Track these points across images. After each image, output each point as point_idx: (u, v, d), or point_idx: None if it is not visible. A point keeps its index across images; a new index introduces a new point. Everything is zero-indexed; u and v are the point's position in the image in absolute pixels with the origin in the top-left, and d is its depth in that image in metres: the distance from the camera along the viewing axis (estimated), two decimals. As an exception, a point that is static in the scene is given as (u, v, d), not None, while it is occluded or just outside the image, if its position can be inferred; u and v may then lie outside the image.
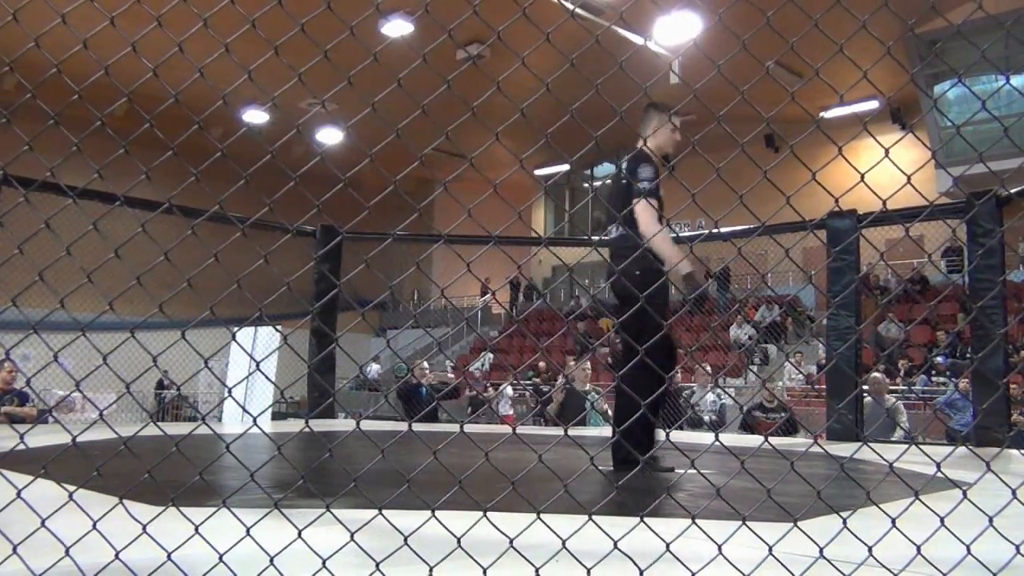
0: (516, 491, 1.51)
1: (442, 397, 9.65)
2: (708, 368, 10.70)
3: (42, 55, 1.61)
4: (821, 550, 1.47)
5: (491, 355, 16.64)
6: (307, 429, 1.67)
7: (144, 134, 1.78)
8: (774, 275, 16.10)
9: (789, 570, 1.45)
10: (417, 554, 1.42)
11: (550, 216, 24.46)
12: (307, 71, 1.63)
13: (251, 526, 1.52)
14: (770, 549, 1.48)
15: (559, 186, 24.37)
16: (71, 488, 1.61)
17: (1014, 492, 1.56)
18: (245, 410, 7.07)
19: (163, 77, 1.63)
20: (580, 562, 1.44)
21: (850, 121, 14.42)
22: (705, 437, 6.27)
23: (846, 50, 1.60)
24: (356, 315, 14.86)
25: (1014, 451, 5.77)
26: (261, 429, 1.63)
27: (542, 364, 13.54)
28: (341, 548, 1.46)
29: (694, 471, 1.62)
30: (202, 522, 1.54)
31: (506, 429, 8.52)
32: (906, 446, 2.38)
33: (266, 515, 1.75)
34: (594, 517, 1.52)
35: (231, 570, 1.42)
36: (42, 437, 4.08)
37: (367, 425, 1.91)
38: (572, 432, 1.68)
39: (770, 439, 1.65)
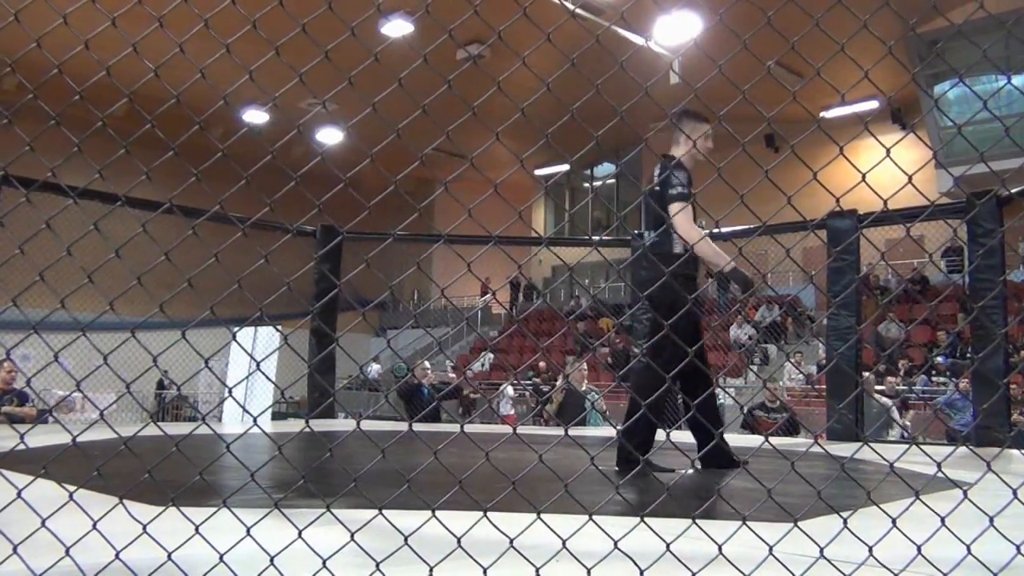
0: (516, 491, 1.51)
1: (443, 397, 9.64)
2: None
3: (43, 55, 1.61)
4: (822, 550, 1.47)
5: (491, 355, 16.65)
6: (307, 429, 1.67)
7: (145, 134, 1.78)
8: (774, 275, 16.09)
9: (790, 570, 1.45)
10: (417, 554, 1.42)
11: (550, 216, 24.45)
12: (307, 71, 1.63)
13: (251, 526, 1.52)
14: (770, 549, 1.47)
15: (559, 186, 24.37)
16: (71, 488, 1.61)
17: (1015, 492, 1.56)
18: (245, 410, 7.07)
19: (164, 77, 1.63)
20: (580, 562, 1.44)
21: (851, 121, 14.41)
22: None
23: (847, 50, 1.59)
24: (356, 315, 14.86)
25: (1015, 451, 5.77)
26: (261, 429, 1.63)
27: (542, 364, 13.55)
28: (341, 548, 1.46)
29: (694, 471, 1.61)
30: (202, 522, 1.54)
31: (506, 429, 8.52)
32: (906, 446, 2.38)
33: (266, 515, 1.75)
34: (594, 517, 1.52)
35: (231, 570, 1.42)
36: (42, 437, 4.09)
37: (367, 425, 1.91)
38: (572, 432, 1.68)
39: (771, 439, 1.65)
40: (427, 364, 10.51)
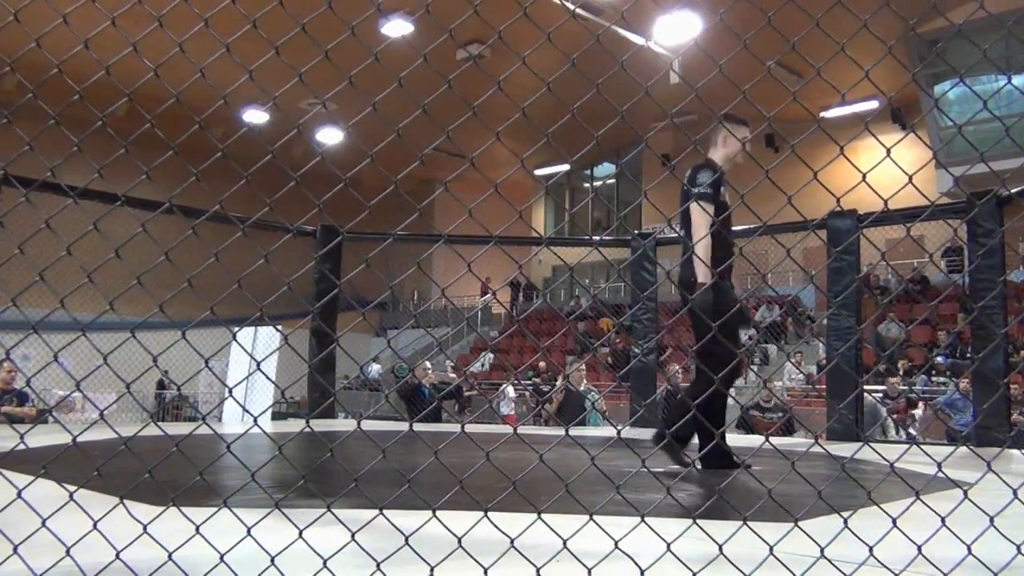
0: (517, 491, 1.51)
1: (444, 397, 9.64)
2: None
3: (43, 55, 1.61)
4: (822, 550, 1.47)
5: (491, 355, 16.65)
6: (307, 429, 1.67)
7: (145, 134, 1.78)
8: (774, 275, 16.10)
9: (790, 570, 1.45)
10: (418, 554, 1.42)
11: (550, 216, 24.45)
12: (308, 71, 1.63)
13: (252, 526, 1.52)
14: (771, 549, 1.47)
15: (559, 186, 24.38)
16: (71, 488, 1.61)
17: (1015, 492, 1.56)
18: (245, 410, 7.08)
19: (164, 77, 1.63)
20: (581, 562, 1.44)
21: (851, 121, 14.41)
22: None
23: (847, 50, 1.59)
24: (356, 315, 14.86)
25: (1015, 451, 5.78)
26: (262, 429, 1.63)
27: (542, 364, 13.55)
28: (342, 548, 1.46)
29: (694, 471, 1.61)
30: (203, 522, 1.54)
31: (507, 429, 8.52)
32: (907, 446, 2.38)
33: (267, 515, 1.74)
34: (595, 517, 1.52)
35: (232, 570, 1.42)
36: (42, 437, 4.08)
37: (368, 425, 1.91)
38: (572, 432, 1.68)
39: (770, 439, 1.64)
40: (428, 364, 10.51)
